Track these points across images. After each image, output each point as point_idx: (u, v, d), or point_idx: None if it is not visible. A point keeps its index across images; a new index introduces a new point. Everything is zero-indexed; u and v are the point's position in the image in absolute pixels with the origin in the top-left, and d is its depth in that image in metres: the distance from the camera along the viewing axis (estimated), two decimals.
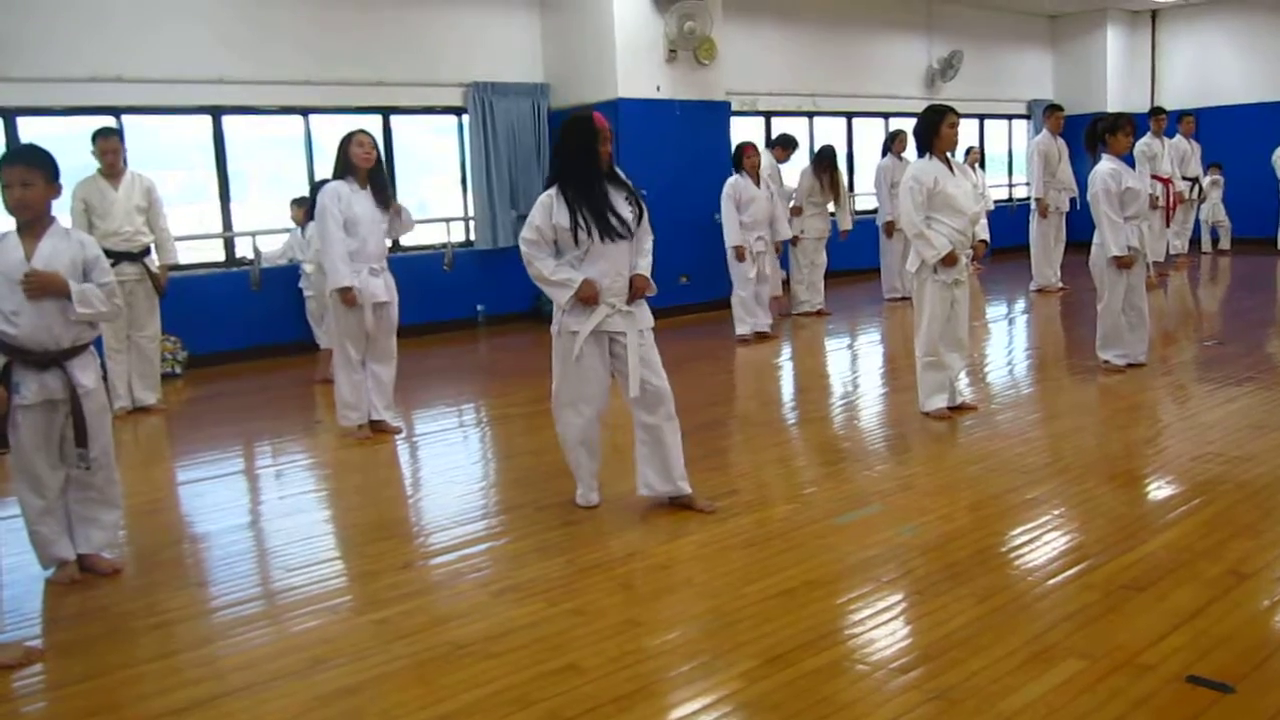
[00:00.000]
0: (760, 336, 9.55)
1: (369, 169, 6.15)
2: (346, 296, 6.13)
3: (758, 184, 9.40)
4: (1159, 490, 4.91)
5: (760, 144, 11.74)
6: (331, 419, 6.63)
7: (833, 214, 11.10)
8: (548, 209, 4.50)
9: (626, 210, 4.55)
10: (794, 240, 10.78)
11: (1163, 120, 12.49)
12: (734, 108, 11.97)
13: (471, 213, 11.15)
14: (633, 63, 10.64)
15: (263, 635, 3.62)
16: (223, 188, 9.61)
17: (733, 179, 9.39)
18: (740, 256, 9.39)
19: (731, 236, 9.40)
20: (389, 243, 6.44)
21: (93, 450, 4.10)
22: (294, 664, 3.34)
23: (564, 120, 4.68)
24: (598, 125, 4.50)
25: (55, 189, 4.05)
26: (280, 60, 9.63)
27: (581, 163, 4.50)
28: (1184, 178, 13.21)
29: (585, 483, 4.83)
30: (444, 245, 10.89)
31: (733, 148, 9.78)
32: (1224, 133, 15.28)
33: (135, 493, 5.36)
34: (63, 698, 3.24)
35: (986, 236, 6.32)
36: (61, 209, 4.90)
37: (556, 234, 4.51)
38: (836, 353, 9.36)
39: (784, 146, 10.86)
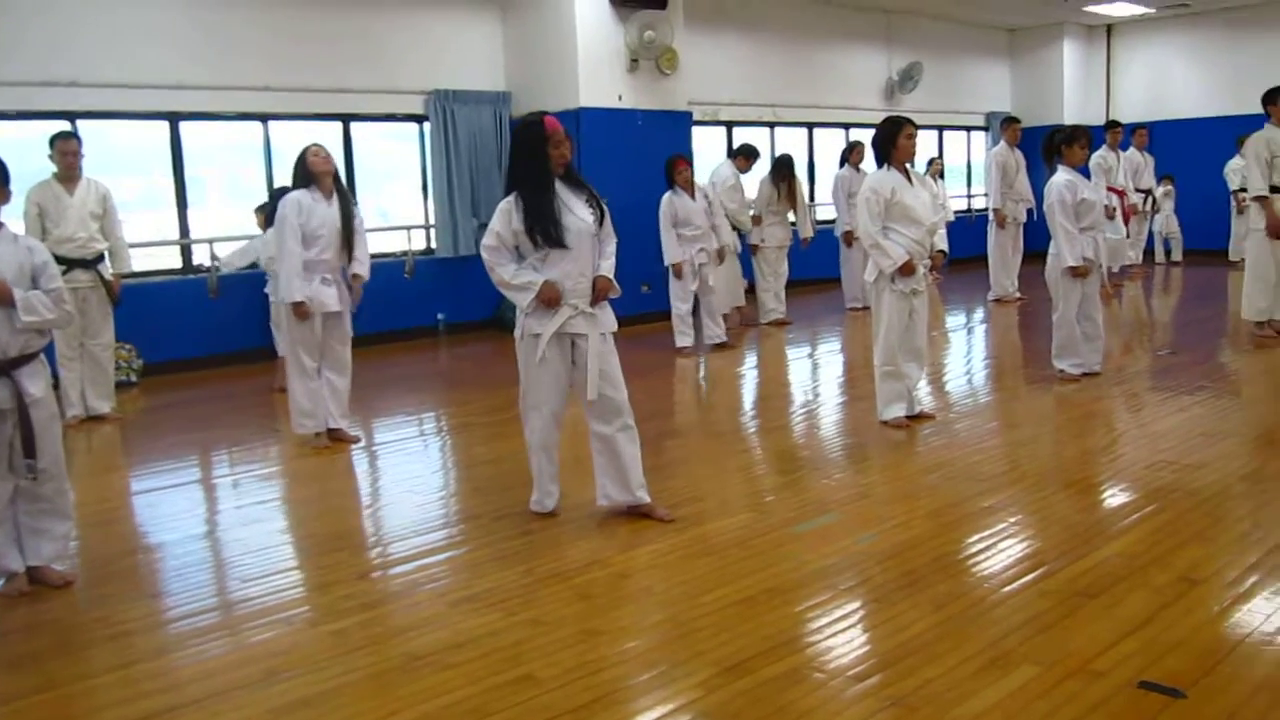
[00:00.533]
0: (718, 347, 9.51)
1: (331, 177, 6.15)
2: (299, 310, 6.10)
3: (692, 197, 9.35)
4: (1113, 498, 4.97)
5: (722, 153, 11.81)
6: (289, 428, 6.57)
7: (793, 223, 11.16)
8: (507, 215, 4.49)
9: (585, 213, 4.54)
10: (754, 249, 10.83)
11: (1118, 133, 12.68)
12: (695, 117, 12.02)
13: (433, 220, 11.11)
14: (594, 72, 10.65)
15: (219, 646, 3.58)
16: (180, 194, 9.49)
17: (666, 196, 9.29)
18: (679, 274, 9.32)
19: (670, 254, 9.31)
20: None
21: (41, 461, 4.03)
22: (250, 675, 3.31)
23: (516, 124, 4.67)
24: (548, 129, 4.47)
25: (4, 194, 3.99)
26: (239, 66, 9.54)
27: (532, 167, 4.48)
28: (1138, 190, 13.42)
29: (542, 488, 4.81)
30: (404, 253, 10.84)
31: (697, 156, 9.75)
32: (1177, 146, 15.55)
33: (88, 503, 5.29)
34: (13, 712, 3.18)
35: (945, 247, 6.39)
36: (13, 214, 4.83)
37: (517, 239, 4.51)
38: (797, 362, 9.41)
39: (746, 156, 10.88)
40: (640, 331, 10.05)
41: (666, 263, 9.36)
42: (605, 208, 4.65)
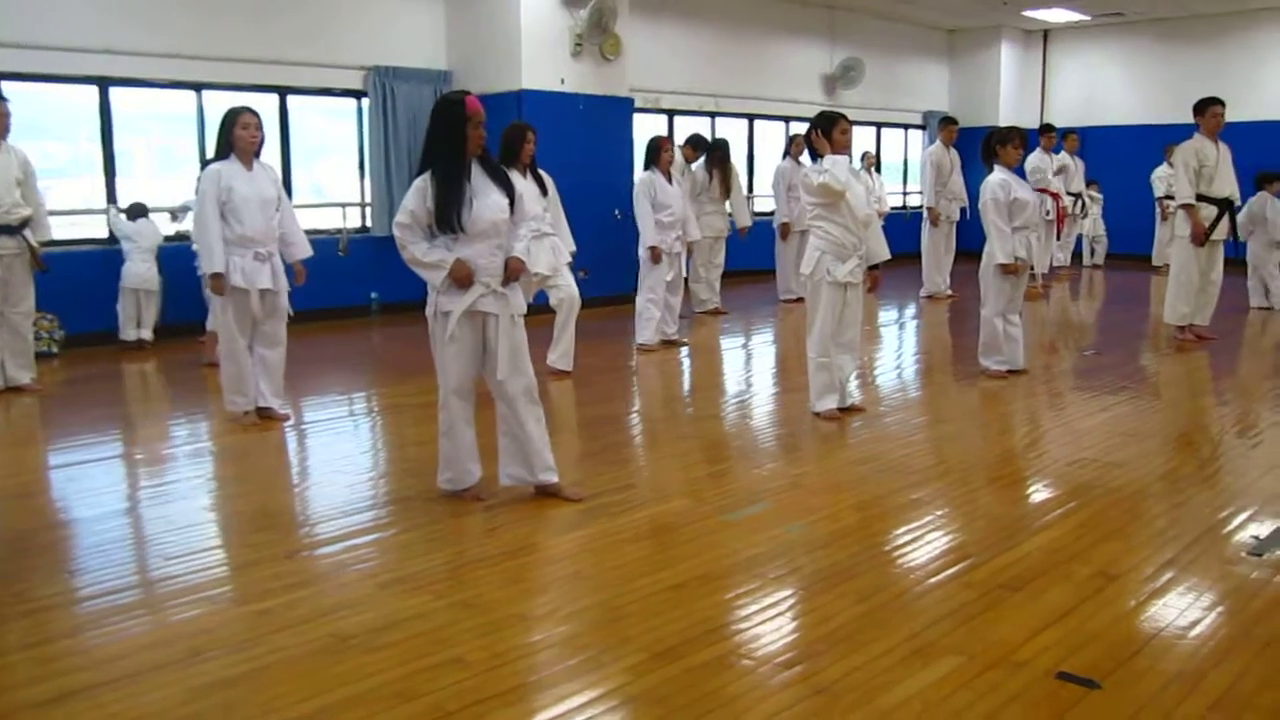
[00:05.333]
0: (667, 344, 9.01)
1: (253, 153, 6.04)
2: (216, 283, 5.99)
3: (670, 181, 8.89)
4: (1037, 493, 5.08)
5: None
6: (217, 404, 6.46)
7: (730, 214, 11.17)
8: (422, 194, 4.43)
9: (498, 197, 4.50)
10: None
11: (1052, 137, 12.91)
12: (637, 104, 12.01)
13: (369, 198, 10.98)
14: (537, 55, 10.59)
15: (139, 625, 3.51)
16: (108, 162, 9.27)
17: (646, 175, 8.84)
18: (656, 258, 8.72)
19: (648, 236, 8.70)
20: (278, 229, 6.26)
21: None
22: (172, 654, 3.25)
23: (437, 101, 4.63)
24: (469, 110, 4.39)
25: None
26: (173, 32, 9.33)
27: (448, 148, 4.42)
28: (1069, 193, 13.69)
29: (458, 466, 4.76)
30: (339, 230, 10.69)
31: (637, 143, 9.51)
32: (1107, 151, 15.89)
33: (4, 475, 5.16)
34: None
35: (888, 254, 6.37)
36: None
37: (429, 219, 4.46)
38: (731, 352, 9.46)
39: (694, 146, 10.91)
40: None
41: (646, 244, 8.77)
42: (515, 192, 4.61)
